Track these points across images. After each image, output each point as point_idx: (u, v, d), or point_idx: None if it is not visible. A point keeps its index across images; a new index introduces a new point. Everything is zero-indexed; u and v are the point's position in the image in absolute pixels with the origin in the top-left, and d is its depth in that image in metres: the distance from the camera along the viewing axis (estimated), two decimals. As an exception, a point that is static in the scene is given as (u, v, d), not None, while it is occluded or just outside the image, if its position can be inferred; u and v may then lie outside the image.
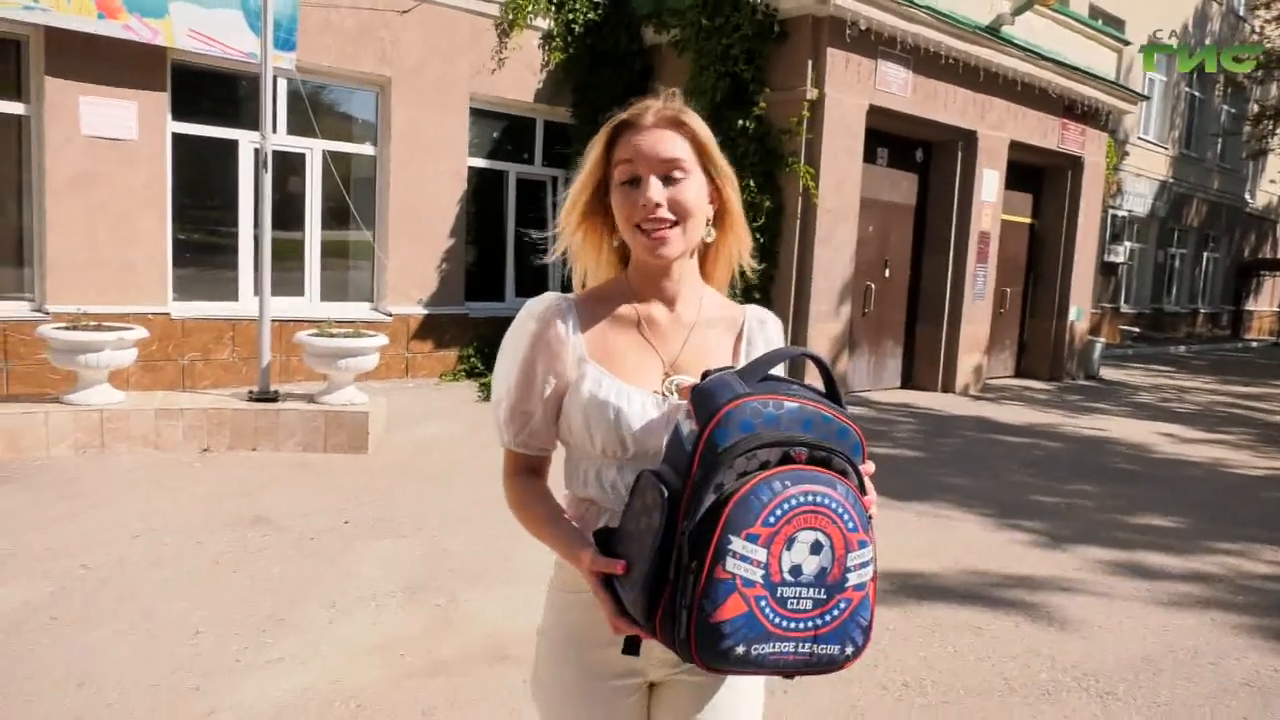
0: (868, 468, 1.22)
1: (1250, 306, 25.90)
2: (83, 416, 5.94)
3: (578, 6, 10.17)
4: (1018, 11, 10.53)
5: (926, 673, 3.50)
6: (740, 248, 1.49)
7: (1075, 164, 12.78)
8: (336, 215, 9.23)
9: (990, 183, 11.25)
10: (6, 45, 7.36)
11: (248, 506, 5.06)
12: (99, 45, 7.31)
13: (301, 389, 7.24)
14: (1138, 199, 19.17)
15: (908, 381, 11.45)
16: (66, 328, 6.07)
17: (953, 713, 3.21)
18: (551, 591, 1.47)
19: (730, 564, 1.06)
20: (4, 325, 7.26)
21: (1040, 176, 12.97)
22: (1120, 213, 17.89)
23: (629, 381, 1.37)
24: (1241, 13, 22.41)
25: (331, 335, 6.69)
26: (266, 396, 6.52)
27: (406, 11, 9.07)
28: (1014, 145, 11.46)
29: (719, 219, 1.44)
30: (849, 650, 1.15)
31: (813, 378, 1.37)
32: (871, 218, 10.32)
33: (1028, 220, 13.06)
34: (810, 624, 1.11)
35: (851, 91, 9.32)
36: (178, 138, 8.10)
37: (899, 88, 9.80)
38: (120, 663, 3.20)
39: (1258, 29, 21.21)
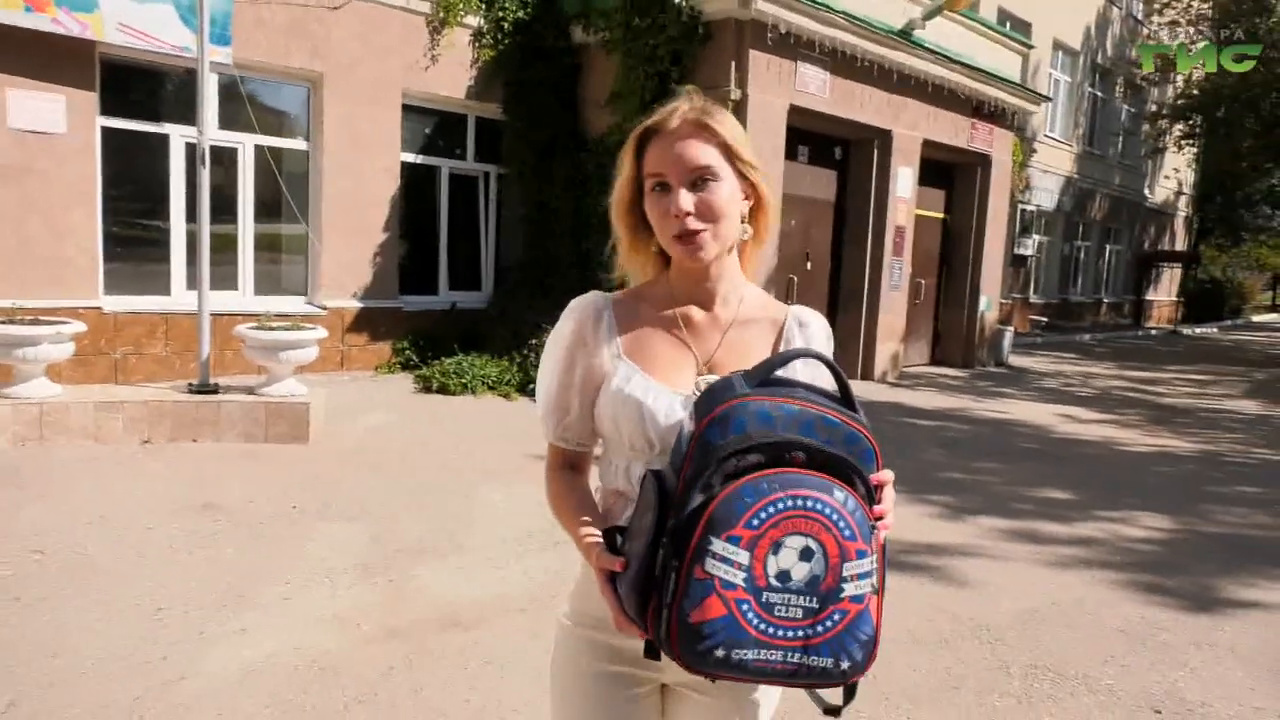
0: (882, 476, 1.18)
1: (1150, 296, 27.33)
2: (21, 410, 5.97)
3: (507, 5, 10.33)
4: (928, 16, 11.08)
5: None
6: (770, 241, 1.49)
7: (984, 162, 13.45)
8: (269, 209, 9.28)
9: (905, 179, 11.82)
10: (-72, 37, 7.27)
11: (196, 494, 5.19)
12: (26, 38, 7.26)
13: (238, 381, 7.33)
14: (1045, 194, 20.14)
15: (829, 369, 11.94)
16: (1, 322, 6.08)
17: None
18: (577, 583, 1.48)
19: (709, 565, 1.06)
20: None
21: (952, 173, 13.61)
22: (1029, 207, 18.78)
23: (661, 380, 1.37)
24: (1140, 16, 23.63)
25: (271, 328, 6.81)
26: (207, 389, 6.61)
27: (338, 8, 9.15)
28: (927, 144, 12.05)
29: (755, 214, 1.44)
30: (845, 665, 1.11)
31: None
32: (793, 213, 10.77)
33: (940, 215, 13.69)
34: (800, 633, 1.08)
35: (773, 92, 9.73)
36: (108, 131, 8.07)
37: (818, 88, 10.25)
38: (88, 637, 3.37)
39: (1152, 33, 22.40)
